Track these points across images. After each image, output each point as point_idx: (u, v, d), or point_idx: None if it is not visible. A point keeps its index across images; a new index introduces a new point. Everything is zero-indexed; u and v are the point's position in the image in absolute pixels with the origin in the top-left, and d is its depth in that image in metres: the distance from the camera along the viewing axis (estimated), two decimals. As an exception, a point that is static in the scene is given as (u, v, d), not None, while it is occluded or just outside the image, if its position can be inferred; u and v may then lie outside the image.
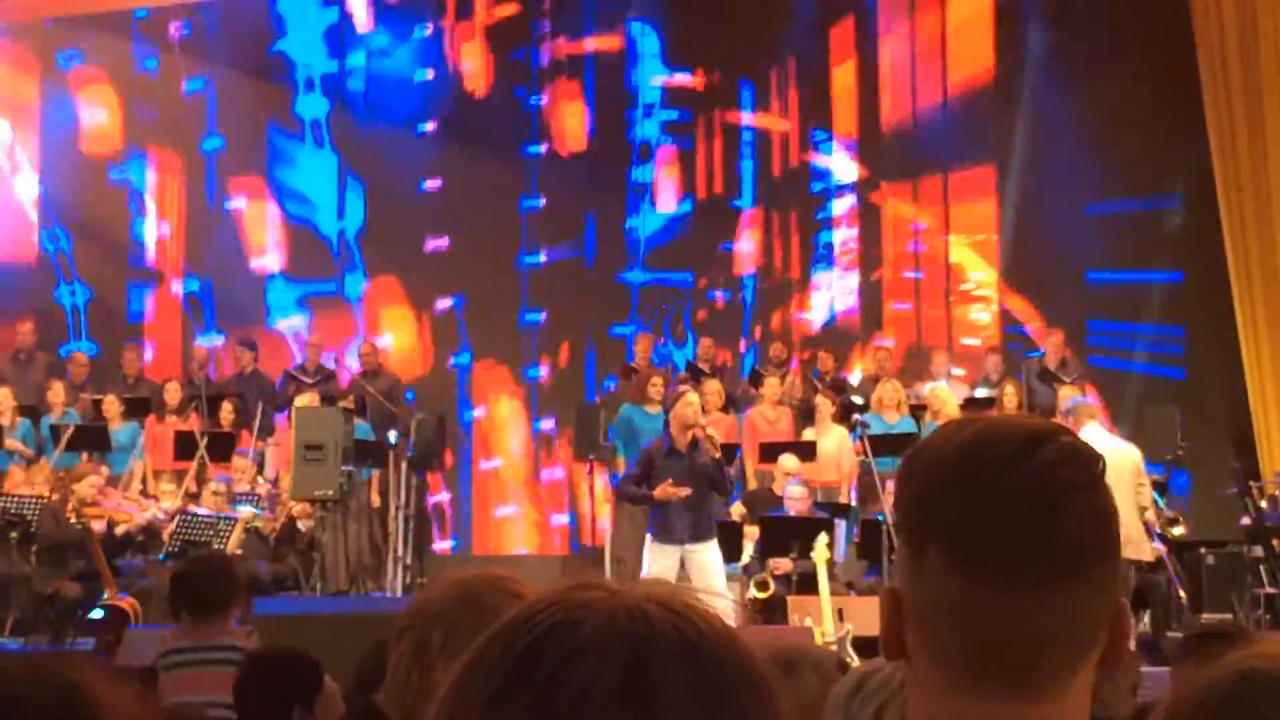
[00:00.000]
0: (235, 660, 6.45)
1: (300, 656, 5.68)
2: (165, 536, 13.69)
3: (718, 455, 11.48)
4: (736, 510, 14.14)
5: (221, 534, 13.45)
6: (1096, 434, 12.53)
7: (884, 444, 13.85)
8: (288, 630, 9.50)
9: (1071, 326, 16.64)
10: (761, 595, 12.49)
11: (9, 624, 13.57)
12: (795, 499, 13.42)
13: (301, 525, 14.20)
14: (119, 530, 13.97)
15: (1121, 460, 12.30)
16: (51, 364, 17.62)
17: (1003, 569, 1.53)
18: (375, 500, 15.65)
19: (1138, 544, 12.50)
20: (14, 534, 13.79)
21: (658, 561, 11.41)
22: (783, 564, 12.76)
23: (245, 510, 13.96)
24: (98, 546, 13.07)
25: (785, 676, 3.35)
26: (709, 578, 11.34)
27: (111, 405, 16.00)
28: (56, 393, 16.27)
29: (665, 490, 11.31)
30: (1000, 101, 17.70)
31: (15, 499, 14.07)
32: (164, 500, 14.53)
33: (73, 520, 13.26)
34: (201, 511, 13.84)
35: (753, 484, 15.10)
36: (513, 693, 1.19)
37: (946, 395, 14.80)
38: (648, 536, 11.73)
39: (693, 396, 11.82)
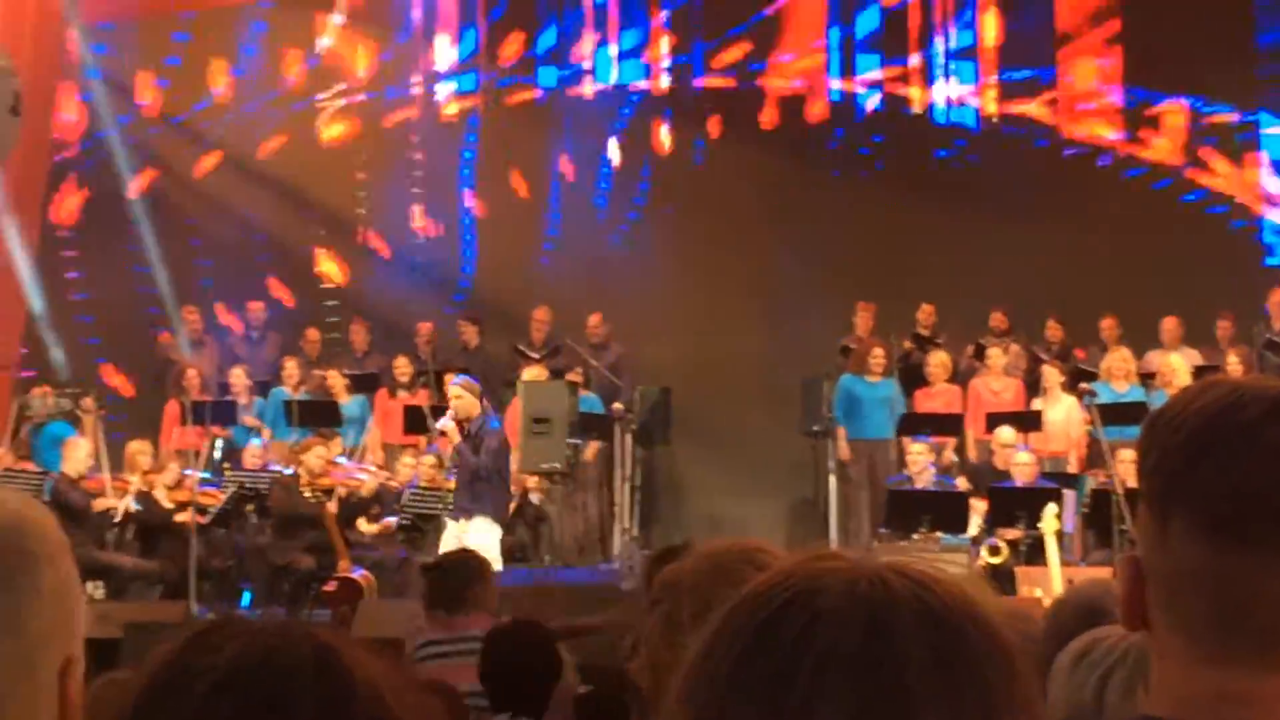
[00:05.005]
0: None
1: (537, 628, 5.80)
2: (396, 507, 14.04)
3: (456, 441, 12.18)
4: (962, 483, 14.05)
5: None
6: None
7: (1113, 413, 13.66)
8: (524, 601, 9.75)
9: None
10: (995, 560, 12.37)
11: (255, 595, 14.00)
12: (1022, 464, 13.28)
13: (534, 498, 14.37)
14: (351, 499, 14.24)
15: None
16: (284, 342, 17.87)
17: (1253, 535, 1.47)
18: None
19: None
20: (249, 507, 14.18)
21: (448, 537, 12.05)
22: (1010, 533, 12.63)
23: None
24: (332, 520, 13.36)
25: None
26: None
27: (336, 380, 16.31)
28: (290, 370, 16.67)
29: None
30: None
31: (250, 474, 14.50)
32: (402, 473, 14.83)
33: (306, 494, 13.57)
34: (423, 484, 14.10)
35: (973, 454, 14.98)
36: (756, 659, 1.21)
37: (1179, 364, 14.56)
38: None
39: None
